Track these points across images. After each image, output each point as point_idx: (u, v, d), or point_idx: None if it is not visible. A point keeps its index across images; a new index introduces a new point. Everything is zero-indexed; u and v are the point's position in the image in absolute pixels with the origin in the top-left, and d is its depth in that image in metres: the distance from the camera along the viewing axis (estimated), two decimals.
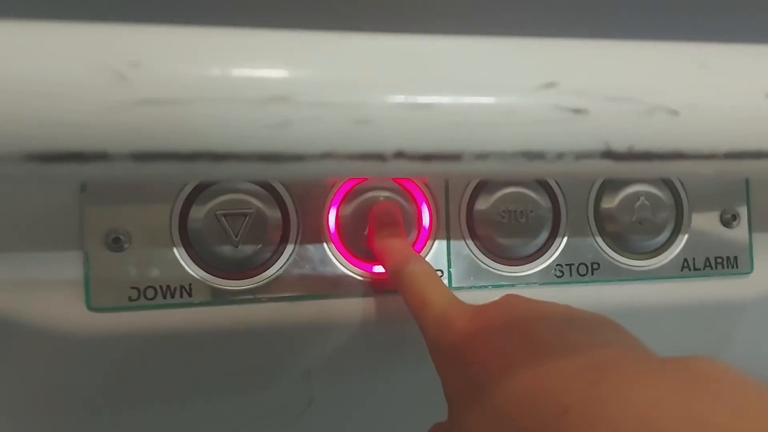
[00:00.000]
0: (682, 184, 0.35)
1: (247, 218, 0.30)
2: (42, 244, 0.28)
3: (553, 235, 0.34)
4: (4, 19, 0.14)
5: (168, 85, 0.14)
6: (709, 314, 0.35)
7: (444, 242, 0.33)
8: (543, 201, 0.33)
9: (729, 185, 0.35)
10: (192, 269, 0.30)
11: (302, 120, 0.15)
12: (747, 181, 0.35)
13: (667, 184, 0.35)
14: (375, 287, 0.32)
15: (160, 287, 0.29)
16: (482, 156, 0.16)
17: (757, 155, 0.18)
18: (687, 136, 0.17)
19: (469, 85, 0.16)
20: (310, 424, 0.33)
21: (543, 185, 0.33)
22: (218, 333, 0.30)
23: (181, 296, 0.30)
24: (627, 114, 0.17)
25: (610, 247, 0.34)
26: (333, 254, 0.31)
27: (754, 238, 0.35)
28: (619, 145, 0.17)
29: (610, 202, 0.34)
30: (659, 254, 0.34)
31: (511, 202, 0.33)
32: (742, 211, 0.35)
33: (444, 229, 0.33)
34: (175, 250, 0.29)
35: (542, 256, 0.33)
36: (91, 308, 0.29)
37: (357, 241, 0.32)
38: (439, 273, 0.32)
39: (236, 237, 0.30)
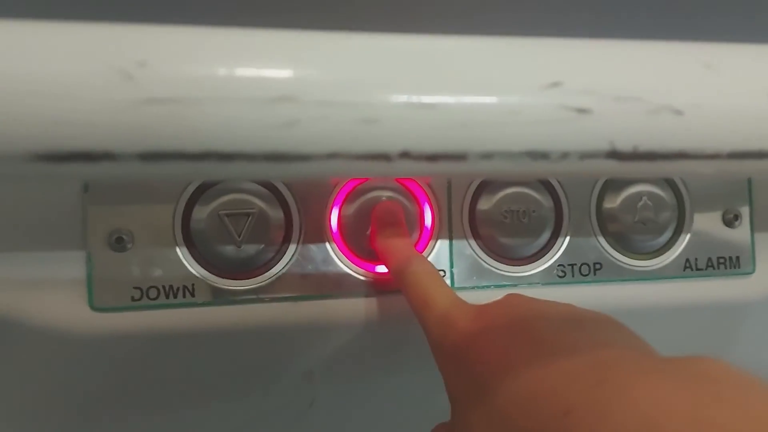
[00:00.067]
0: (684, 184, 0.35)
1: (249, 218, 0.30)
2: (45, 243, 0.28)
3: (555, 235, 0.34)
4: (10, 19, 0.14)
5: (174, 85, 0.14)
6: (711, 314, 0.35)
7: (446, 242, 0.33)
8: (545, 201, 0.33)
9: (731, 185, 0.35)
10: (195, 269, 0.30)
11: (308, 120, 0.15)
12: (749, 181, 0.35)
13: (669, 183, 0.35)
14: (377, 287, 0.32)
15: (163, 287, 0.29)
16: (487, 156, 0.16)
17: (760, 155, 0.18)
18: (691, 136, 0.17)
19: (474, 85, 0.16)
20: (312, 424, 0.33)
21: (545, 185, 0.33)
22: (220, 333, 0.30)
23: (184, 296, 0.30)
24: (631, 114, 0.17)
25: (612, 247, 0.34)
26: (335, 254, 0.31)
27: (756, 238, 0.35)
28: (624, 144, 0.17)
29: (613, 202, 0.34)
30: (661, 254, 0.34)
31: (514, 202, 0.33)
32: (744, 211, 0.35)
33: (446, 229, 0.33)
34: (177, 250, 0.30)
35: (544, 256, 0.34)
36: (93, 308, 0.29)
37: (359, 241, 0.32)
38: (442, 273, 0.32)
39: (239, 237, 0.30)
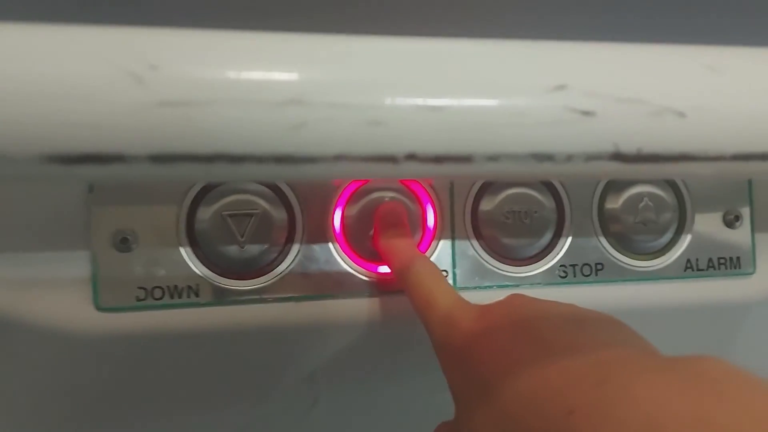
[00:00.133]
0: (685, 185, 0.35)
1: (253, 219, 0.30)
2: (50, 244, 0.28)
3: (557, 236, 0.34)
4: (22, 23, 0.14)
5: (184, 88, 0.14)
6: (712, 314, 0.35)
7: (449, 242, 0.33)
8: (547, 202, 0.33)
9: (732, 186, 0.35)
10: (199, 269, 0.30)
11: (316, 122, 0.15)
12: (750, 182, 0.35)
13: (670, 184, 0.35)
14: (380, 287, 0.32)
15: (167, 287, 0.29)
16: (493, 158, 0.16)
17: (763, 157, 0.18)
18: (694, 138, 0.17)
19: (479, 88, 0.16)
20: (315, 424, 0.33)
21: (547, 186, 0.34)
22: (224, 332, 0.30)
23: (188, 296, 0.30)
24: (635, 116, 0.17)
25: (613, 247, 0.34)
26: (338, 254, 0.32)
27: (757, 238, 0.35)
28: (628, 146, 0.17)
29: (614, 203, 0.34)
30: (663, 255, 0.35)
31: (516, 202, 0.33)
32: (745, 212, 0.35)
33: (449, 230, 0.33)
34: (182, 251, 0.30)
35: (546, 256, 0.34)
36: (98, 308, 0.29)
37: (362, 241, 0.32)
38: (444, 273, 0.32)
39: (242, 237, 0.30)
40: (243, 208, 0.30)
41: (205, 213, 0.30)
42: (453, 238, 0.33)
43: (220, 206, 0.30)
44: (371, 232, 0.32)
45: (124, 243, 0.29)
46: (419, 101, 0.16)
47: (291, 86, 0.15)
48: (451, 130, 0.16)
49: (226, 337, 0.30)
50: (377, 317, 0.32)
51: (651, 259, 0.35)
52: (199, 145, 0.14)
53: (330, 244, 0.31)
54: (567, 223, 0.34)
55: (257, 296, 0.30)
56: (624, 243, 0.34)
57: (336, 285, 0.31)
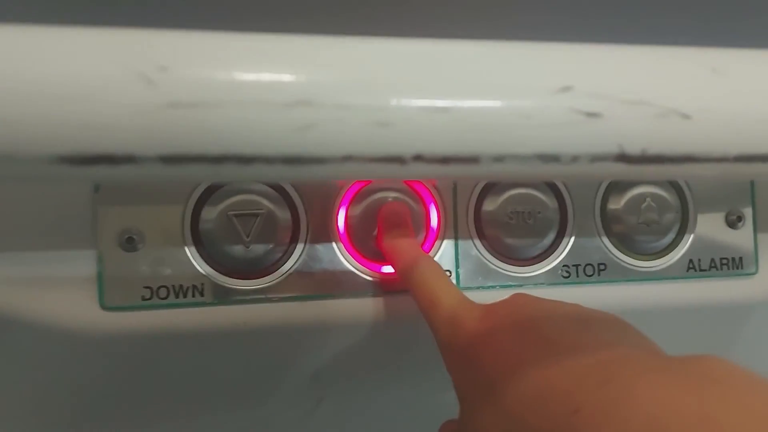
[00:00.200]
0: (687, 185, 0.35)
1: (258, 218, 0.30)
2: (56, 243, 0.29)
3: (560, 236, 0.34)
4: (32, 25, 0.14)
5: (194, 89, 0.14)
6: (714, 315, 0.35)
7: (452, 243, 0.33)
8: (550, 202, 0.33)
9: (734, 187, 0.35)
10: (204, 269, 0.30)
11: (324, 123, 0.15)
12: (752, 183, 0.35)
13: (672, 185, 0.35)
14: (384, 287, 0.32)
15: (173, 287, 0.30)
16: (499, 158, 0.16)
17: (767, 158, 0.18)
18: (699, 140, 0.17)
19: (486, 89, 0.16)
20: (319, 423, 0.33)
21: (550, 186, 0.34)
22: (229, 332, 0.30)
23: (193, 296, 0.30)
24: (640, 117, 0.17)
25: (616, 247, 0.34)
26: (342, 254, 0.32)
27: (759, 239, 0.35)
28: (633, 148, 0.17)
29: (617, 204, 0.34)
30: (665, 255, 0.35)
31: (519, 203, 0.33)
32: (747, 212, 0.35)
33: (452, 230, 0.33)
34: (187, 250, 0.30)
35: (549, 256, 0.34)
36: (104, 307, 0.29)
37: (366, 241, 0.32)
38: (447, 273, 0.32)
39: (247, 237, 0.30)
40: (248, 208, 0.30)
41: (210, 213, 0.30)
42: (456, 238, 0.33)
43: (225, 206, 0.30)
44: (375, 232, 0.32)
45: (129, 242, 0.29)
46: (426, 102, 0.16)
47: (299, 88, 0.15)
48: (457, 131, 0.16)
49: (230, 337, 0.31)
50: (381, 317, 0.32)
51: (653, 260, 0.35)
52: (208, 145, 0.14)
53: (334, 244, 0.32)
54: (570, 224, 0.34)
55: (262, 296, 0.31)
56: (626, 243, 0.34)
57: (340, 285, 0.32)
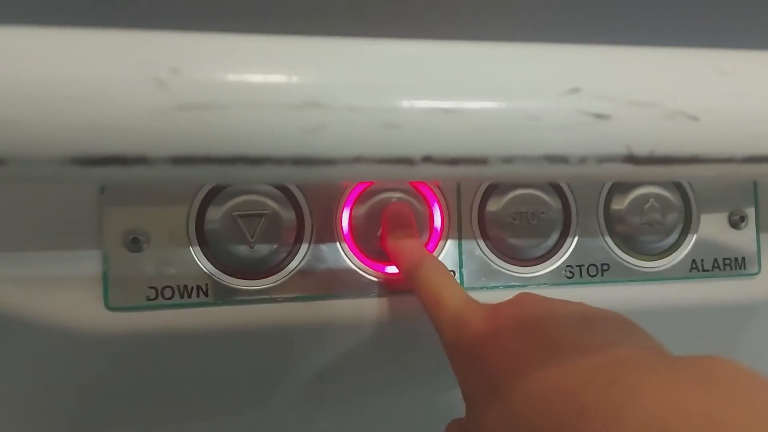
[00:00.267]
0: (690, 185, 0.35)
1: (262, 219, 0.30)
2: (61, 244, 0.29)
3: (563, 237, 0.34)
4: (45, 27, 0.14)
5: (205, 91, 0.14)
6: (717, 315, 0.35)
7: (456, 243, 0.33)
8: (554, 202, 0.33)
9: (737, 187, 0.35)
10: (208, 269, 0.30)
11: (334, 124, 0.15)
12: (755, 183, 0.35)
13: (675, 185, 0.35)
14: (388, 287, 0.32)
15: (178, 287, 0.30)
16: (508, 160, 0.17)
17: None
18: (706, 141, 0.17)
19: (495, 91, 0.16)
20: (323, 423, 0.33)
21: (554, 187, 0.34)
22: (233, 332, 0.31)
23: (198, 296, 0.30)
24: (648, 119, 0.17)
25: (619, 248, 0.34)
26: (346, 254, 0.32)
27: (762, 239, 0.35)
28: (641, 149, 0.17)
29: (620, 204, 0.34)
30: (668, 255, 0.35)
31: (523, 203, 0.33)
32: (750, 212, 0.35)
33: (456, 230, 0.33)
34: (192, 251, 0.30)
35: (553, 257, 0.34)
36: (109, 307, 0.29)
37: (370, 241, 0.32)
38: (451, 273, 0.33)
39: (252, 237, 0.30)
40: (253, 209, 0.30)
41: (215, 213, 0.30)
42: (460, 239, 0.33)
43: (230, 207, 0.30)
44: (379, 233, 0.32)
45: (135, 243, 0.29)
46: (435, 104, 0.16)
47: (309, 89, 0.15)
48: (466, 132, 0.16)
49: (235, 337, 0.31)
50: (385, 317, 0.32)
51: (657, 260, 0.35)
52: (219, 147, 0.15)
53: (338, 245, 0.32)
54: (573, 224, 0.34)
55: (266, 296, 0.31)
56: (630, 243, 0.34)
57: (344, 285, 0.32)
